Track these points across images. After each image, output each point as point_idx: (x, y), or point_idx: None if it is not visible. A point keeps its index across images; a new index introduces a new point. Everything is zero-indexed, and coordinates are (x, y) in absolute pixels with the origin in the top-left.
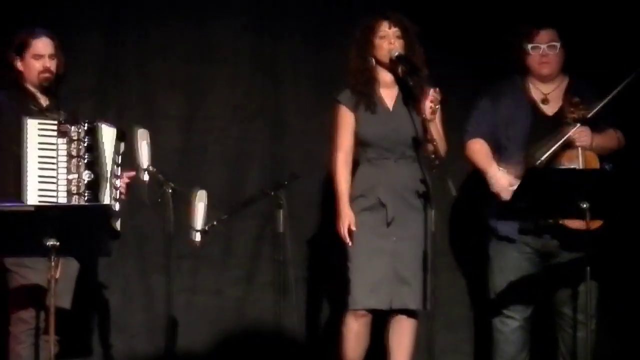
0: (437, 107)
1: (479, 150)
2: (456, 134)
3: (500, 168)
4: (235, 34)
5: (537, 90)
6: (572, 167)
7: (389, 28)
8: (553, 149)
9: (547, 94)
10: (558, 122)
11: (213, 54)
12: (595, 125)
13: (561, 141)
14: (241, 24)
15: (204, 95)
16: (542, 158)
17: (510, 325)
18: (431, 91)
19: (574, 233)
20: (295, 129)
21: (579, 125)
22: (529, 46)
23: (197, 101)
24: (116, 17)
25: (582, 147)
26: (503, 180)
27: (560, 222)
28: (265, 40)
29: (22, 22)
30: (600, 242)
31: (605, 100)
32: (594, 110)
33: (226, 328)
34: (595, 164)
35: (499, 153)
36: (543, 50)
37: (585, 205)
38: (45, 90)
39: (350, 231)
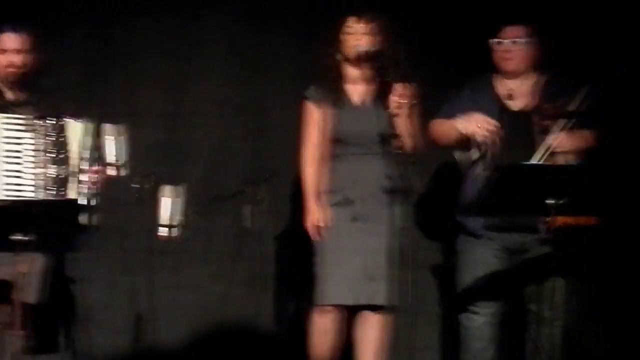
0: (404, 102)
1: (441, 121)
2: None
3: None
4: (219, 30)
5: (503, 86)
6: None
7: (356, 24)
8: (539, 158)
9: (512, 90)
10: (523, 120)
11: (196, 50)
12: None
13: (545, 150)
14: (225, 21)
15: (187, 92)
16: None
17: (477, 320)
18: (397, 85)
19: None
20: (278, 126)
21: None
22: (494, 41)
23: (181, 97)
24: (100, 12)
25: (564, 152)
26: (471, 116)
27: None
28: (249, 37)
29: (6, 18)
30: (572, 239)
31: (576, 107)
32: (566, 121)
33: (206, 324)
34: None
35: None
36: (506, 45)
37: (552, 202)
38: (13, 85)
39: (317, 227)
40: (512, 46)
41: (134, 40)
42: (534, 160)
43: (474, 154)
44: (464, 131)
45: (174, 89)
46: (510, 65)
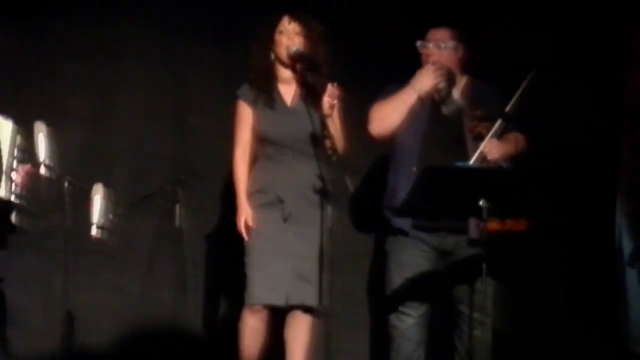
0: (334, 102)
1: (383, 102)
2: (358, 130)
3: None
4: (140, 32)
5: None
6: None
7: (289, 24)
8: (473, 162)
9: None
10: (452, 120)
11: (118, 51)
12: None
13: (478, 157)
14: (146, 22)
15: (108, 93)
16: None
17: (406, 322)
18: (329, 86)
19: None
20: (198, 128)
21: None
22: (419, 44)
23: (102, 99)
24: (21, 11)
25: (494, 160)
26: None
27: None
28: (170, 38)
29: None
30: (499, 241)
31: (507, 109)
32: (496, 127)
33: (126, 325)
34: None
35: (394, 150)
36: (429, 49)
37: (482, 204)
38: None
39: (247, 226)
40: (434, 48)
41: (54, 42)
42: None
43: (453, 94)
44: (423, 90)
45: (95, 91)
46: None
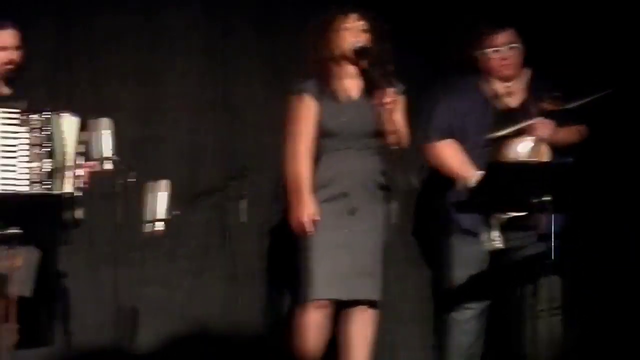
0: (395, 98)
1: (453, 155)
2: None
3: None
4: (187, 24)
5: (499, 85)
6: (528, 159)
7: (356, 21)
8: (508, 130)
9: (509, 88)
10: (521, 115)
11: (166, 44)
12: (561, 120)
13: (521, 125)
14: (193, 15)
15: (156, 87)
16: (496, 134)
17: (466, 315)
18: (388, 90)
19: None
20: (247, 121)
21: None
22: (490, 50)
23: (149, 92)
24: (68, 5)
25: (539, 137)
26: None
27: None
28: (217, 31)
29: None
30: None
31: (581, 102)
32: (568, 106)
33: (176, 321)
34: (543, 157)
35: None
36: (504, 53)
37: (546, 199)
38: (7, 80)
39: (311, 221)
40: (509, 52)
41: (101, 36)
42: (500, 133)
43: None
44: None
45: (142, 84)
46: (509, 70)
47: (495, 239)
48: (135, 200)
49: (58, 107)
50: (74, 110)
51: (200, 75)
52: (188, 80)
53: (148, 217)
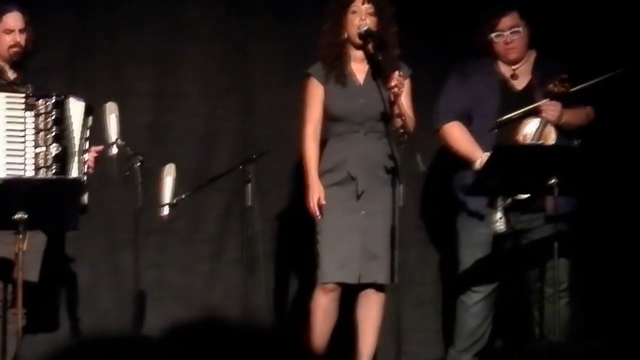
0: (403, 81)
1: (460, 136)
2: (426, 111)
3: (485, 153)
4: (205, 10)
5: (506, 68)
6: (538, 141)
7: (362, 4)
8: (516, 112)
9: (515, 70)
10: (527, 97)
11: (183, 30)
12: (568, 101)
13: (528, 107)
14: (211, 1)
15: (173, 72)
16: (502, 118)
17: (473, 298)
18: (395, 74)
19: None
20: (264, 106)
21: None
22: (493, 35)
23: (167, 77)
24: None
25: (547, 119)
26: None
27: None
28: (235, 16)
29: None
30: (571, 219)
31: (590, 83)
32: (576, 88)
33: (194, 304)
34: (550, 139)
35: (470, 132)
36: (507, 37)
37: (553, 181)
38: (13, 64)
39: (319, 205)
40: (512, 36)
41: (117, 21)
42: (508, 116)
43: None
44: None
45: (158, 69)
46: (514, 53)
47: (498, 222)
48: (147, 186)
49: (75, 93)
50: (90, 96)
51: (217, 61)
52: (205, 66)
53: (165, 201)
